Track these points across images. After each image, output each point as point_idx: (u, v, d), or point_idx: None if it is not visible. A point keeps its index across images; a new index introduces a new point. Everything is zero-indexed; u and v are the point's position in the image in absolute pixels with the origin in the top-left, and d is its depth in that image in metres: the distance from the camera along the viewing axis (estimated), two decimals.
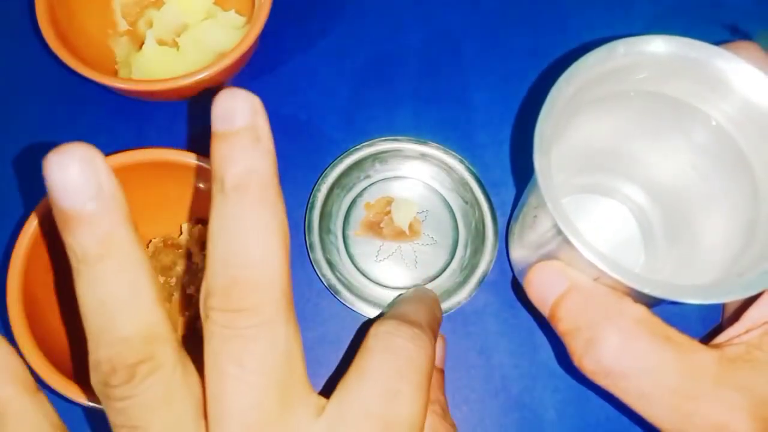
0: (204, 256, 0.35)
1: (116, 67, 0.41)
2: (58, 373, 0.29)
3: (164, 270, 0.36)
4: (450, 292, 0.36)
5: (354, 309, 0.35)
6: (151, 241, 0.37)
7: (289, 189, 0.39)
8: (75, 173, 0.19)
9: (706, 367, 0.23)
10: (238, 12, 0.41)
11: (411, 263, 0.37)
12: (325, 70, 0.42)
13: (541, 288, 0.27)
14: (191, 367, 0.21)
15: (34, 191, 0.38)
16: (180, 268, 0.36)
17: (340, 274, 0.36)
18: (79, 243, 0.19)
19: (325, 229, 0.37)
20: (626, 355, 0.23)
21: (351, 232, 0.38)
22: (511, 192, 0.39)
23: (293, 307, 0.21)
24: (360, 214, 0.38)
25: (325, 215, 0.38)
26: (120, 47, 0.41)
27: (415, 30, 0.43)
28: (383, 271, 0.37)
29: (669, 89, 0.27)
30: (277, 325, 0.20)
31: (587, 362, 0.24)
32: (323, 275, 0.36)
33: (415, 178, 0.39)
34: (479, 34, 0.43)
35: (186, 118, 0.40)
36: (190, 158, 0.33)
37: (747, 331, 0.24)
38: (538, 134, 0.24)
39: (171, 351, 0.20)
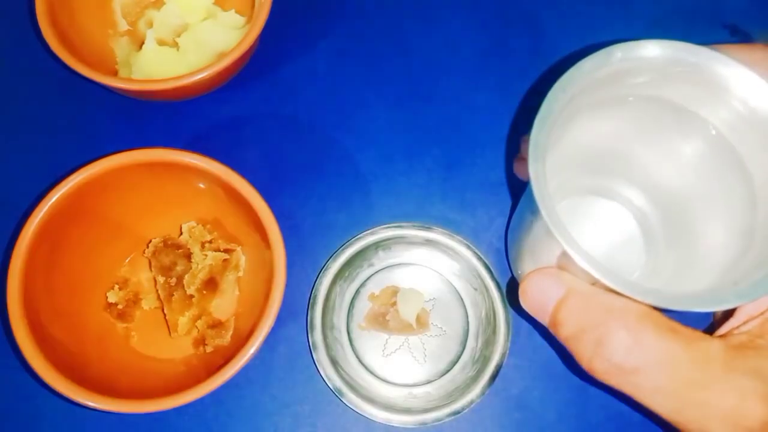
0: (204, 256, 0.36)
1: (116, 67, 0.41)
2: (58, 373, 0.29)
3: (164, 270, 0.36)
4: (462, 390, 0.34)
5: (360, 412, 0.34)
6: (151, 241, 0.37)
7: (289, 190, 0.39)
8: None
9: (714, 354, 0.23)
10: (238, 12, 0.41)
11: (420, 356, 0.36)
12: (325, 70, 0.42)
13: (538, 296, 0.26)
14: None
15: (34, 191, 0.38)
16: (180, 268, 0.36)
17: (345, 373, 0.35)
18: None
19: (328, 324, 0.36)
20: (637, 350, 0.23)
21: (355, 325, 0.36)
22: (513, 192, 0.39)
23: None
24: (364, 306, 0.37)
25: (328, 309, 0.36)
26: (120, 47, 0.41)
27: (415, 30, 0.43)
28: (391, 366, 0.35)
29: (667, 94, 0.27)
30: None
31: (598, 363, 0.24)
32: (327, 377, 0.34)
33: (420, 264, 0.37)
34: (479, 34, 0.43)
35: (186, 118, 0.40)
36: (190, 158, 0.32)
37: (745, 323, 0.24)
38: (532, 142, 0.23)
39: None
